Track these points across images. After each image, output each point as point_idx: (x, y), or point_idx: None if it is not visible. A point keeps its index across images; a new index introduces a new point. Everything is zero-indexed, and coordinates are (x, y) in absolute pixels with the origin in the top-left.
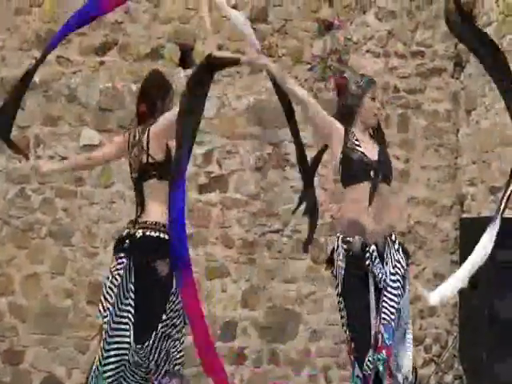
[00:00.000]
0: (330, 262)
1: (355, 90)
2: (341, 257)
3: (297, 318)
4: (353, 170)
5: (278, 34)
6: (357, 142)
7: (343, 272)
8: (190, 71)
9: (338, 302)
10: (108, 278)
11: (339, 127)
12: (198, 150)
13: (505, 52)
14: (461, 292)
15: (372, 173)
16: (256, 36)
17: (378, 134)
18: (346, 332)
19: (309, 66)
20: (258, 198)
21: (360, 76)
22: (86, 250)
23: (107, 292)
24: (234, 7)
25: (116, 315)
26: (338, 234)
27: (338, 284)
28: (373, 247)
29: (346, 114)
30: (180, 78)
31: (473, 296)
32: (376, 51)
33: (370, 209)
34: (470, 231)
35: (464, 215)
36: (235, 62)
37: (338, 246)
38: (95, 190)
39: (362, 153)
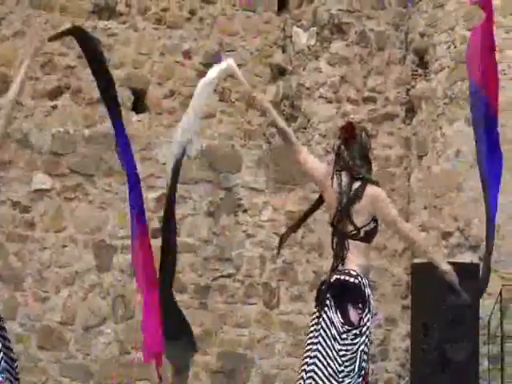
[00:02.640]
0: (356, 296)
1: (366, 139)
2: (372, 296)
3: (249, 363)
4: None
5: (231, 79)
6: None
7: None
8: (142, 116)
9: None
10: None
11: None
12: (150, 195)
13: (456, 99)
14: (412, 337)
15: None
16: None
17: None
18: (364, 364)
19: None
20: (210, 243)
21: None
22: (37, 294)
23: None
24: (188, 52)
25: None
26: (361, 275)
27: (361, 321)
28: None
29: (363, 163)
30: (133, 123)
31: (424, 340)
32: (328, 97)
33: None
34: (421, 276)
35: (415, 260)
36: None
37: (366, 286)
38: (47, 234)
39: None
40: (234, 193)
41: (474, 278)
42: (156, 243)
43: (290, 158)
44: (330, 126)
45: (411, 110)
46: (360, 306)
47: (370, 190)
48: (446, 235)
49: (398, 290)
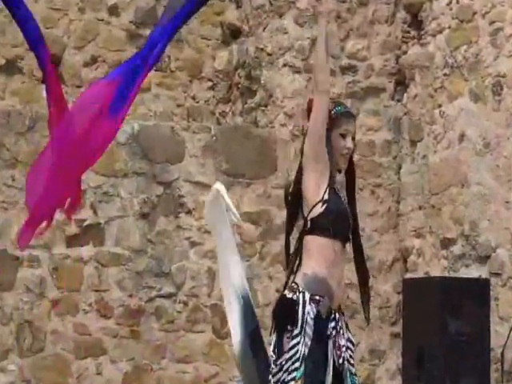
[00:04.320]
0: (289, 315)
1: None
2: (311, 315)
3: None
4: (331, 221)
5: (170, 43)
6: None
7: (311, 335)
8: None
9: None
10: None
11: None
12: None
13: (459, 68)
14: (404, 373)
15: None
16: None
17: (347, 184)
18: None
19: (210, 83)
20: (143, 254)
21: (332, 103)
22: None
23: None
24: (114, 7)
25: None
26: (300, 288)
27: (295, 347)
28: (337, 315)
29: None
30: (43, 99)
31: (420, 375)
32: (296, 65)
33: (335, 270)
34: (414, 295)
35: (408, 275)
36: None
37: (304, 303)
38: None
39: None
40: (175, 189)
41: (482, 297)
42: (75, 253)
43: (245, 143)
44: (297, 102)
45: (402, 83)
46: (289, 327)
47: None
48: (446, 243)
49: (386, 313)
